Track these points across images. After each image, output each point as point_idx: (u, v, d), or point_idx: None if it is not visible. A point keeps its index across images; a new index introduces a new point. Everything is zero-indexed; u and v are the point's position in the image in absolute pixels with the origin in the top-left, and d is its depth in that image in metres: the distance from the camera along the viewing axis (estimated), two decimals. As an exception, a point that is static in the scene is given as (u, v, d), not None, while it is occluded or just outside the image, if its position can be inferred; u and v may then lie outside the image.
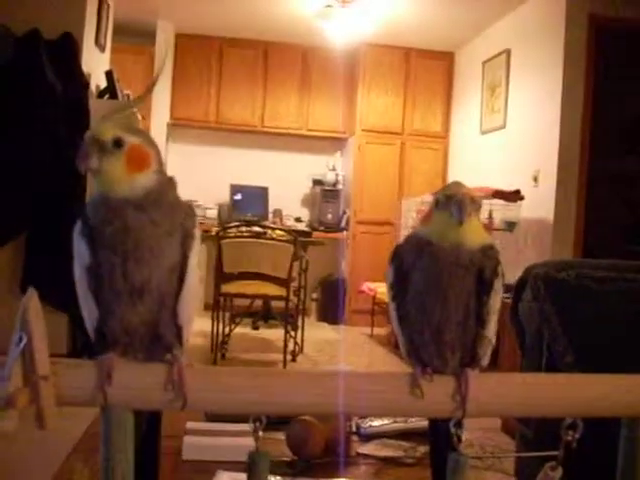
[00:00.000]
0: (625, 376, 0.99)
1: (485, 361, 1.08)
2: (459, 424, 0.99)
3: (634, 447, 0.96)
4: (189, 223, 1.02)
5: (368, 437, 2.19)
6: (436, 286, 1.03)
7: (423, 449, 2.03)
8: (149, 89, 1.12)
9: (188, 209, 1.04)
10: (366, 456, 2.05)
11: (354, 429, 2.22)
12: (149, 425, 1.11)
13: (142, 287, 0.97)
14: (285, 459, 1.94)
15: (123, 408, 0.91)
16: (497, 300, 1.06)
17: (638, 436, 0.95)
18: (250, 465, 1.01)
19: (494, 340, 1.08)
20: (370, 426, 2.21)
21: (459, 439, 0.99)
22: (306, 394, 0.95)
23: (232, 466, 1.81)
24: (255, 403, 0.95)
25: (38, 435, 1.04)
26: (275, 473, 1.81)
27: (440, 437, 1.10)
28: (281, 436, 1.96)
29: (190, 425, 2.06)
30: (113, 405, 0.90)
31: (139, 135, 1.00)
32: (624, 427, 0.97)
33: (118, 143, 0.97)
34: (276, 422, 1.65)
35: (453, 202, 1.02)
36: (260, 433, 1.00)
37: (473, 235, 1.04)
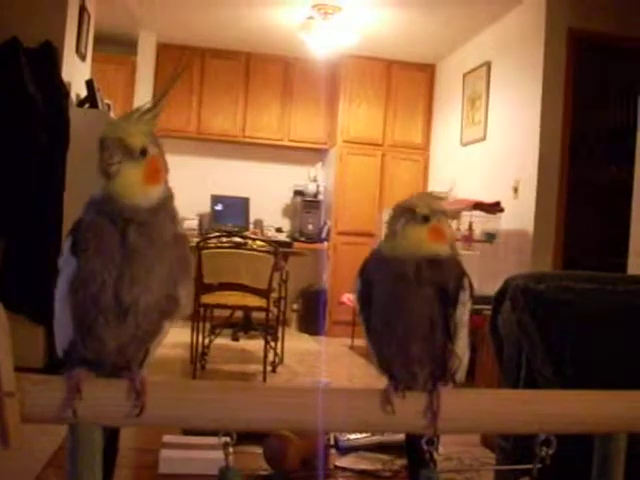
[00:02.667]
0: (597, 392, 0.98)
1: (459, 376, 1.06)
2: (431, 441, 0.98)
3: (607, 463, 0.95)
4: (186, 244, 1.02)
5: (346, 450, 2.18)
6: (394, 299, 1.02)
7: (400, 462, 2.02)
8: (166, 92, 1.08)
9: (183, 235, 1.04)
10: (344, 469, 2.04)
11: (332, 442, 2.21)
12: (108, 441, 1.09)
13: (129, 307, 0.95)
14: (263, 473, 1.92)
15: (92, 424, 0.89)
16: (464, 313, 1.04)
17: (611, 452, 0.94)
18: (221, 481, 0.99)
19: (467, 355, 1.07)
20: (348, 439, 2.20)
21: (431, 456, 0.98)
22: (276, 410, 0.94)
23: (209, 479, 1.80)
24: (222, 419, 0.93)
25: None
26: (252, 488, 1.79)
27: (417, 454, 1.09)
28: (258, 450, 1.95)
29: (167, 438, 2.04)
30: (82, 421, 0.88)
31: (159, 146, 0.99)
32: (597, 443, 0.96)
33: (144, 152, 0.96)
34: (253, 436, 1.63)
35: (391, 214, 1.02)
36: (230, 449, 0.98)
37: (408, 246, 1.02)
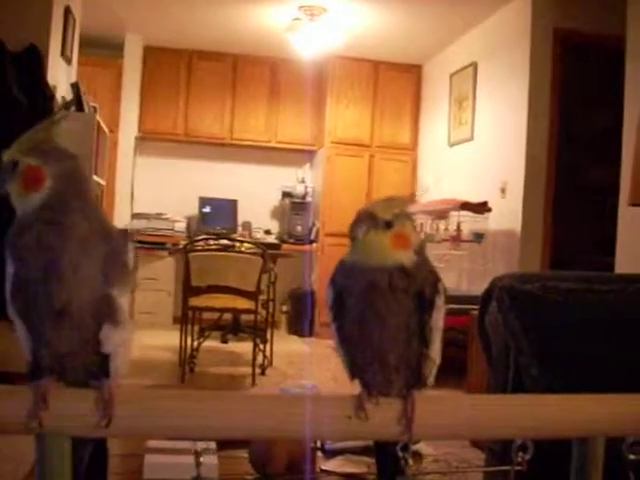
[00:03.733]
0: (575, 396, 0.98)
1: (430, 381, 1.06)
2: (406, 447, 0.97)
3: (585, 467, 0.95)
4: (120, 242, 1.02)
5: (332, 453, 2.17)
6: (369, 308, 1.00)
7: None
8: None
9: (120, 233, 1.05)
10: (330, 473, 2.03)
11: (319, 445, 2.20)
12: (93, 455, 1.08)
13: (63, 309, 0.95)
14: (248, 478, 1.91)
15: (59, 435, 0.88)
16: (440, 318, 1.03)
17: (589, 456, 0.94)
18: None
19: (439, 359, 1.06)
20: (334, 442, 2.19)
21: (407, 462, 0.97)
22: (246, 418, 0.93)
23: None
24: (192, 428, 0.92)
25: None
26: (238, 492, 1.78)
27: (387, 460, 1.08)
28: (244, 454, 1.94)
29: (152, 443, 2.02)
30: (49, 432, 0.87)
31: (37, 156, 1.01)
32: (575, 447, 0.96)
33: (14, 165, 1.00)
34: (238, 441, 1.63)
35: (353, 220, 1.01)
36: (201, 458, 0.97)
37: (373, 253, 1.01)
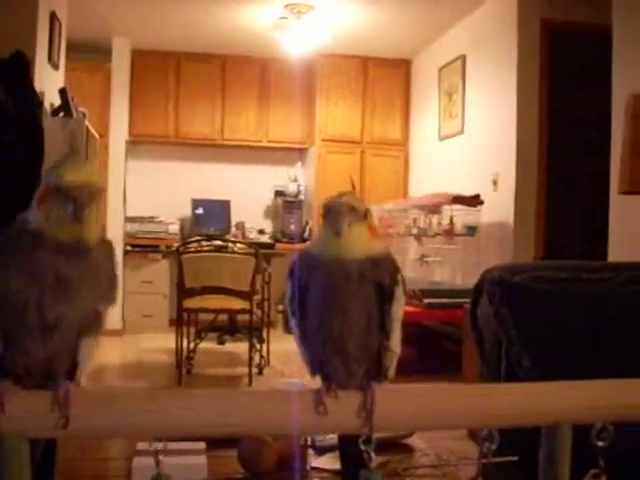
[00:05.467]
0: (540, 384, 0.97)
1: (391, 372, 1.06)
2: (369, 440, 0.97)
3: (554, 455, 0.94)
4: (109, 256, 1.01)
5: (323, 450, 2.16)
6: (331, 298, 1.00)
7: (378, 460, 2.01)
8: None
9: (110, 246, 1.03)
10: (320, 470, 2.03)
11: (309, 442, 2.19)
12: (44, 456, 1.07)
13: (53, 324, 0.94)
14: (238, 476, 1.91)
15: (17, 438, 0.87)
16: (399, 308, 1.03)
17: (557, 444, 0.93)
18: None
19: (399, 350, 1.06)
20: (325, 438, 2.19)
21: (369, 455, 0.97)
22: (206, 415, 0.93)
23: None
24: (151, 427, 0.92)
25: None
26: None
27: (350, 454, 1.07)
28: (233, 453, 1.93)
29: (140, 446, 2.02)
30: (6, 434, 0.87)
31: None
32: (543, 437, 0.95)
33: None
34: (227, 439, 1.62)
35: (330, 213, 1.00)
36: (161, 457, 0.96)
37: (355, 246, 1.01)
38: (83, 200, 0.93)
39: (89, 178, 0.95)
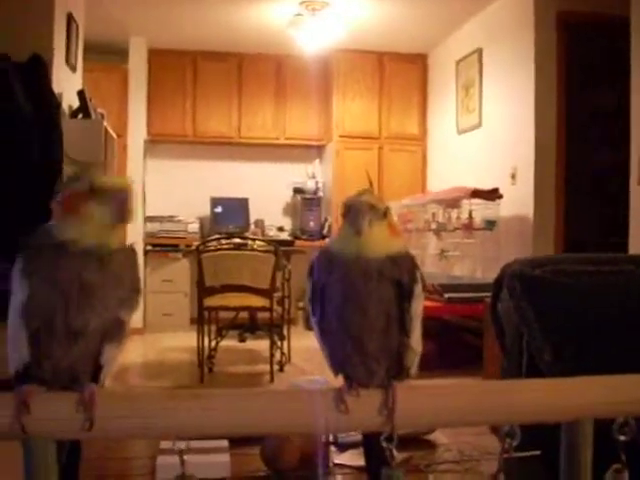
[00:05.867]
0: (560, 380, 0.97)
1: (413, 370, 1.06)
2: (391, 438, 0.97)
3: (574, 450, 0.94)
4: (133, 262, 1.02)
5: (346, 446, 2.17)
6: (351, 297, 1.00)
7: (401, 456, 2.01)
8: None
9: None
10: (342, 466, 2.03)
11: (332, 439, 2.20)
12: (69, 457, 1.08)
13: (79, 331, 0.96)
14: (260, 474, 1.92)
15: (44, 439, 0.88)
16: (419, 305, 1.03)
17: (578, 439, 0.93)
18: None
19: (419, 348, 1.06)
20: (347, 435, 2.19)
21: (391, 453, 0.97)
22: (228, 416, 0.93)
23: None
24: (174, 428, 0.92)
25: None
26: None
27: (373, 451, 1.07)
28: (256, 451, 1.94)
29: (164, 444, 2.03)
30: (33, 436, 0.88)
31: None
32: (563, 432, 0.95)
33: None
34: (250, 437, 1.63)
35: (350, 212, 1.00)
36: (185, 457, 0.97)
37: (376, 244, 1.01)
38: (127, 199, 0.94)
39: (122, 181, 0.96)
